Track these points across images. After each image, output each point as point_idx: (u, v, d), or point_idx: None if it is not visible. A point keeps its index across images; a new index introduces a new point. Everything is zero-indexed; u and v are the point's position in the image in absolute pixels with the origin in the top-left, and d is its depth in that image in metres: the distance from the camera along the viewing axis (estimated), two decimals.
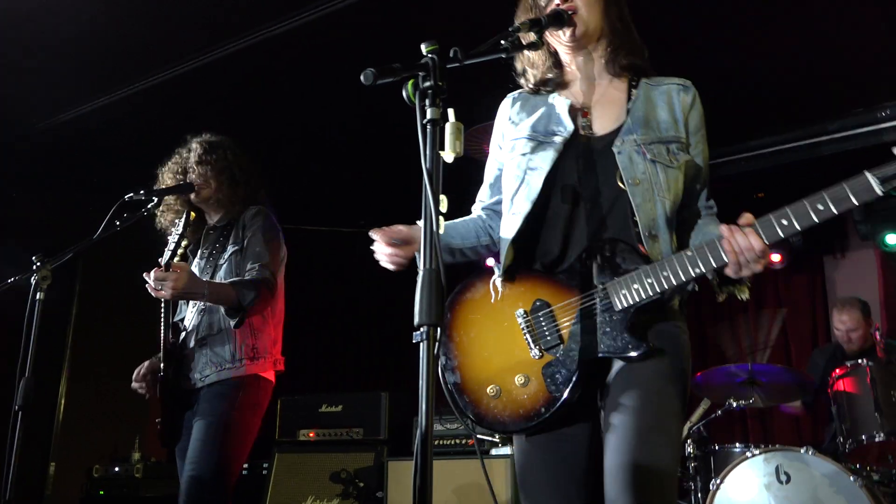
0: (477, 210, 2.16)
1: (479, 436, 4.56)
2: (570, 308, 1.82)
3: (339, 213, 6.87)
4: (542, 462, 1.87)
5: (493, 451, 4.46)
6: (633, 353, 1.73)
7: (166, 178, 3.04)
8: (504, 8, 2.03)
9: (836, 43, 4.35)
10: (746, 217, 1.66)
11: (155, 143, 3.33)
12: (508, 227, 1.94)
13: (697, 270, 1.68)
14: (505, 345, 1.90)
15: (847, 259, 6.20)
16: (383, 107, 4.33)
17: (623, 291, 1.75)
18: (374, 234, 1.91)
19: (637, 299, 1.73)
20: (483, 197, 2.16)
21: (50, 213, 5.64)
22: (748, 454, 3.65)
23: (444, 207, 1.40)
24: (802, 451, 3.55)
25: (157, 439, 2.86)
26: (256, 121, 5.23)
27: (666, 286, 1.71)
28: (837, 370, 4.01)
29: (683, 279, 1.69)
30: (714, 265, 1.67)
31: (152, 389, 2.90)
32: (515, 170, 1.96)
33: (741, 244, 1.62)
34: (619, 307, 1.76)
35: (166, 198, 3.03)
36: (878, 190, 1.48)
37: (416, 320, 1.33)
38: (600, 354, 1.76)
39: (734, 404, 4.24)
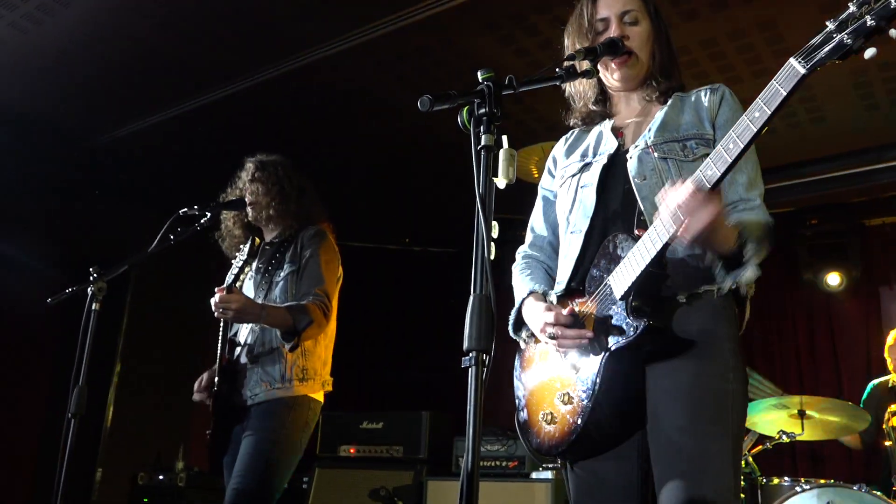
0: (518, 259, 2.18)
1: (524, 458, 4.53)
2: (589, 312, 1.83)
3: (385, 230, 6.93)
4: (593, 487, 1.86)
5: (534, 475, 4.41)
6: (632, 335, 1.69)
7: (228, 199, 3.13)
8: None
9: None
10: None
11: (210, 159, 3.41)
12: (570, 246, 1.95)
13: (663, 240, 1.63)
14: (553, 370, 1.91)
15: None
16: (430, 124, 4.38)
17: (619, 278, 1.75)
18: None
19: (630, 281, 1.72)
20: (525, 246, 2.19)
21: (106, 226, 5.80)
22: (798, 489, 3.55)
23: (495, 233, 1.41)
24: (855, 487, 3.44)
25: (207, 450, 2.90)
26: (307, 138, 5.32)
27: (647, 259, 1.67)
28: (893, 405, 3.88)
29: (657, 248, 1.64)
30: (667, 231, 1.61)
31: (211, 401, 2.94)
32: (568, 191, 2.01)
33: (670, 197, 1.56)
34: (619, 294, 1.75)
35: (225, 223, 3.13)
36: (802, 69, 1.38)
37: (466, 345, 1.34)
38: (612, 347, 1.74)
39: (784, 437, 4.12)
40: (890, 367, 4.70)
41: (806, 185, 5.34)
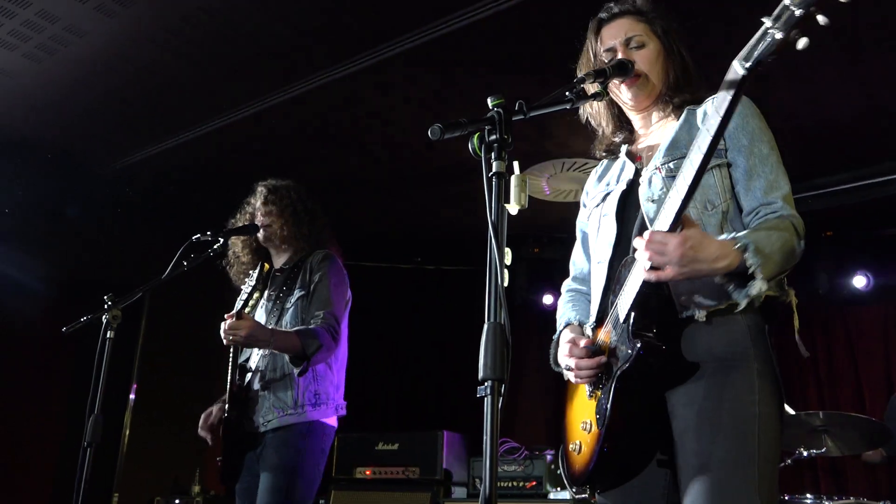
0: (563, 293, 2.18)
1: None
2: (605, 339, 1.81)
3: (397, 249, 6.93)
4: None
5: (552, 495, 4.37)
6: (631, 356, 1.65)
7: (238, 224, 3.14)
8: None
9: None
10: None
11: (221, 184, 3.42)
12: (598, 277, 1.94)
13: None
14: (581, 400, 1.91)
15: None
16: (441, 145, 4.38)
17: (623, 300, 1.72)
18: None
19: (629, 303, 1.69)
20: (569, 279, 2.20)
21: (119, 251, 5.83)
22: None
23: (508, 260, 1.40)
24: None
25: (218, 478, 2.89)
26: (318, 160, 5.35)
27: (640, 279, 1.63)
28: None
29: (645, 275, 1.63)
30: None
31: (216, 438, 2.93)
32: (595, 222, 2.01)
33: (635, 245, 1.60)
34: (622, 317, 1.72)
35: (234, 249, 3.14)
36: (742, 69, 1.37)
37: (481, 375, 1.31)
38: (618, 372, 1.71)
39: (804, 453, 4.06)
40: None
41: (822, 196, 5.30)
